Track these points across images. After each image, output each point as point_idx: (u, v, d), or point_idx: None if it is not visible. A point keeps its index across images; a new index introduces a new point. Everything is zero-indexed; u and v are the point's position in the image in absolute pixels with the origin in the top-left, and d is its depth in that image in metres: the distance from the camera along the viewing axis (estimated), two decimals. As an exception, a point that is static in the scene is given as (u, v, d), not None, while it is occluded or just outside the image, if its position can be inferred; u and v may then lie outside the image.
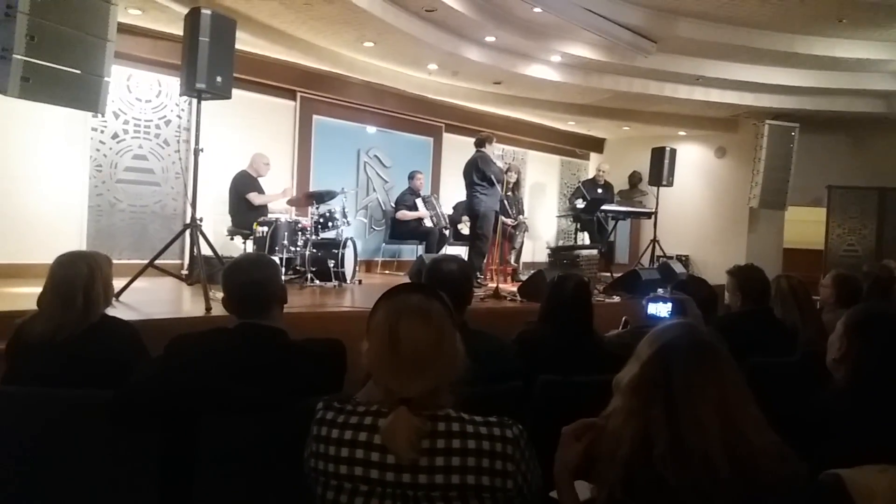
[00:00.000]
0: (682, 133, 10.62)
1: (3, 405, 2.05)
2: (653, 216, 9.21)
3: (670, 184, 9.31)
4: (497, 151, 10.30)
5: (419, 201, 8.18)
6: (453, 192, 8.81)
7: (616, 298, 6.36)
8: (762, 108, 9.19)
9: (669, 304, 2.76)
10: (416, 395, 1.33)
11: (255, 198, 6.52)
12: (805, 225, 10.05)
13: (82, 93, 4.03)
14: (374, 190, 8.92)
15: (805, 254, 9.80)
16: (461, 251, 7.79)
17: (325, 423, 1.39)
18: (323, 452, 1.37)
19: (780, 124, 9.25)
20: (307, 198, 6.66)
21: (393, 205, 8.48)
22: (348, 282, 6.44)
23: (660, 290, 3.42)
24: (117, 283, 3.33)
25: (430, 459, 1.32)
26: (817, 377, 2.27)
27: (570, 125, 10.94)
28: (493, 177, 7.00)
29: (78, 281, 2.26)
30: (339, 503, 1.35)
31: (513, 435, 1.38)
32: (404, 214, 8.13)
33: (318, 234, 6.35)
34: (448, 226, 8.16)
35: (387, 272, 8.45)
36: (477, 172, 7.07)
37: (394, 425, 1.30)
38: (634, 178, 11.03)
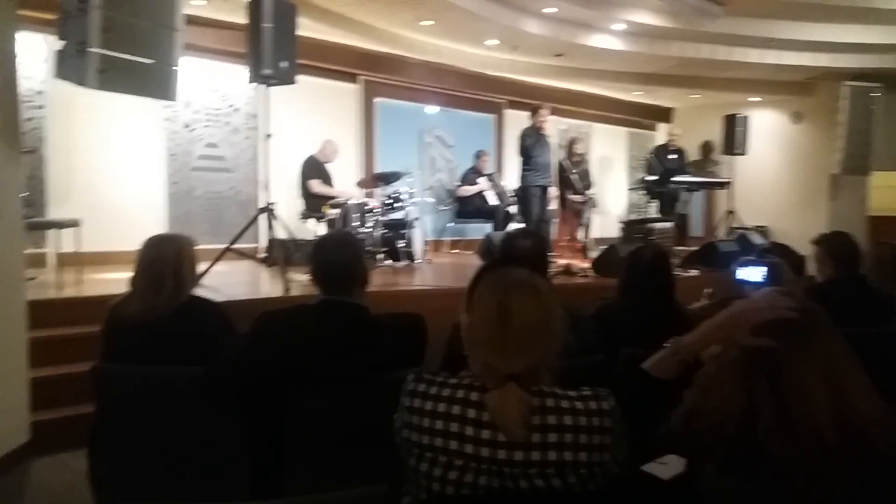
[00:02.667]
0: (754, 99, 10.19)
1: (104, 381, 2.15)
2: (727, 186, 8.91)
3: (744, 152, 8.99)
4: (562, 126, 10.15)
5: (481, 179, 8.15)
6: (517, 169, 8.71)
7: (694, 272, 6.19)
8: (840, 69, 8.72)
9: (763, 268, 2.63)
10: (521, 371, 1.31)
11: (315, 185, 6.62)
12: (892, 191, 9.54)
13: (155, 82, 4.12)
14: (439, 170, 8.92)
15: (893, 221, 9.30)
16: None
17: (418, 395, 1.38)
18: (416, 424, 1.35)
19: (860, 85, 8.78)
20: (374, 179, 6.72)
21: (457, 184, 8.48)
22: (418, 261, 6.49)
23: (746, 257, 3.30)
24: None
25: (526, 436, 1.29)
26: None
27: (635, 95, 10.66)
28: (529, 150, 6.93)
29: (167, 262, 2.34)
30: (433, 476, 1.34)
31: (610, 407, 1.35)
32: (465, 190, 8.14)
33: (386, 215, 6.40)
34: (512, 202, 8.09)
35: (455, 251, 8.47)
36: (519, 148, 7.08)
37: (504, 402, 1.28)
38: (706, 148, 10.69)
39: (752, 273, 2.64)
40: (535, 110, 7.16)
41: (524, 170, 7.08)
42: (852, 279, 3.13)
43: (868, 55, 8.44)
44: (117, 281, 2.60)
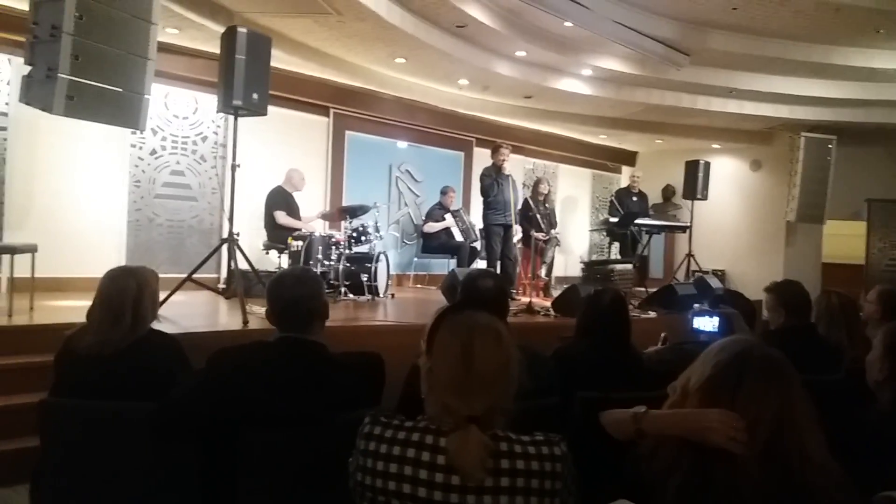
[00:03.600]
0: (716, 146, 10.50)
1: (51, 416, 2.10)
2: (687, 230, 9.10)
3: (705, 197, 9.20)
4: (529, 165, 10.31)
5: (448, 215, 8.20)
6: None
7: (651, 314, 6.28)
8: (798, 121, 9.06)
9: (716, 319, 2.70)
10: (480, 413, 1.33)
11: (280, 217, 6.59)
12: (844, 239, 9.84)
13: (124, 110, 4.11)
14: (406, 204, 8.97)
15: (845, 269, 9.58)
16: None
17: (373, 438, 1.39)
18: (370, 467, 1.36)
19: (816, 137, 9.11)
20: (340, 212, 6.72)
21: (423, 219, 8.53)
22: (381, 295, 6.47)
23: (696, 306, 3.38)
24: (156, 297, 3.37)
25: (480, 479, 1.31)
26: (862, 396, 2.22)
27: (601, 139, 10.89)
28: (487, 190, 7.07)
29: (127, 296, 2.30)
30: (386, 520, 1.34)
31: (561, 452, 1.37)
32: (431, 227, 8.18)
33: (351, 249, 6.39)
34: (478, 238, 8.14)
35: (418, 286, 8.48)
36: (480, 187, 7.24)
37: (464, 444, 1.30)
38: (668, 192, 10.92)
39: (706, 322, 2.71)
40: (495, 149, 7.27)
41: (485, 209, 7.19)
42: (802, 327, 3.20)
43: (825, 108, 8.78)
44: (71, 309, 2.56)
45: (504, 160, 7.13)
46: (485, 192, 7.15)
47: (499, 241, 7.11)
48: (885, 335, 2.03)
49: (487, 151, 9.24)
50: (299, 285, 2.17)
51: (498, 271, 7.00)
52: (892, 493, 1.44)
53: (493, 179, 7.11)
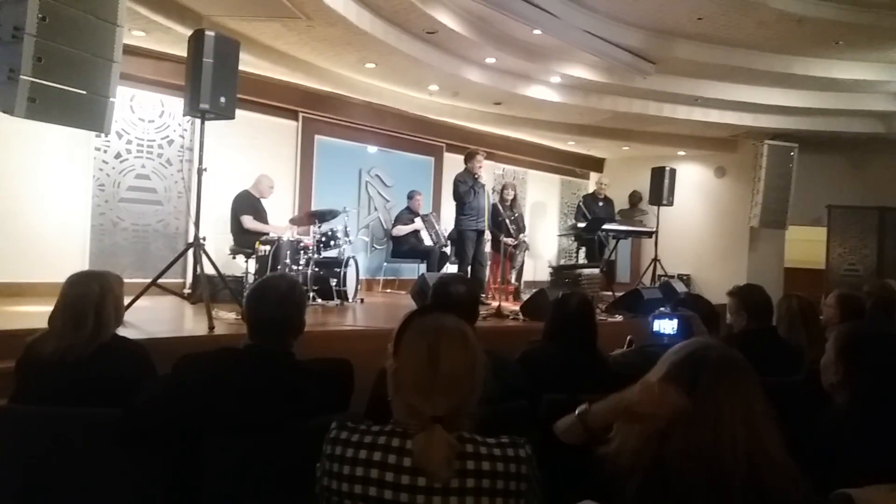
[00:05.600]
0: (681, 153, 10.67)
1: (11, 424, 2.05)
2: (654, 235, 9.22)
3: (670, 203, 9.34)
4: (498, 171, 10.37)
5: (417, 219, 8.20)
6: (453, 212, 8.82)
7: (618, 317, 6.35)
8: (761, 129, 9.26)
9: (675, 321, 2.76)
10: (445, 413, 1.34)
11: (247, 221, 6.50)
12: (806, 244, 10.08)
13: (88, 113, 4.03)
14: (376, 209, 8.96)
15: (806, 273, 9.81)
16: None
17: (339, 443, 1.39)
18: (336, 471, 1.36)
19: (779, 144, 9.31)
20: (309, 217, 6.67)
21: (392, 223, 8.52)
22: (350, 300, 6.45)
23: (661, 309, 3.44)
24: (120, 303, 3.31)
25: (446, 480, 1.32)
26: (822, 397, 2.27)
27: (570, 145, 11.00)
28: (464, 196, 7.07)
29: (89, 301, 2.26)
30: (352, 523, 1.34)
31: (525, 454, 1.39)
32: (400, 230, 8.17)
33: (319, 253, 6.35)
34: (448, 244, 8.16)
35: (388, 291, 8.45)
36: (453, 192, 7.23)
37: (429, 444, 1.31)
38: (634, 198, 11.06)
39: (666, 325, 2.76)
40: (470, 156, 7.28)
41: (460, 215, 7.19)
42: (764, 330, 3.28)
43: (787, 117, 9.00)
44: (31, 314, 2.51)
45: (480, 166, 7.16)
46: (461, 198, 7.14)
47: (472, 245, 7.13)
48: (837, 339, 2.06)
49: (457, 157, 9.29)
50: (281, 307, 2.10)
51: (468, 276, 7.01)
52: (847, 491, 1.48)
53: (470, 186, 7.11)
